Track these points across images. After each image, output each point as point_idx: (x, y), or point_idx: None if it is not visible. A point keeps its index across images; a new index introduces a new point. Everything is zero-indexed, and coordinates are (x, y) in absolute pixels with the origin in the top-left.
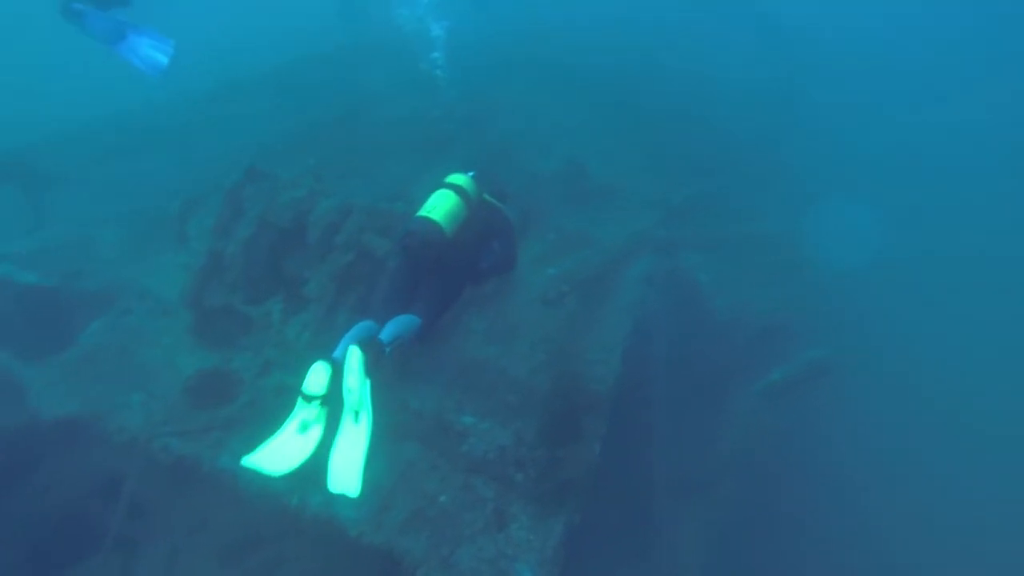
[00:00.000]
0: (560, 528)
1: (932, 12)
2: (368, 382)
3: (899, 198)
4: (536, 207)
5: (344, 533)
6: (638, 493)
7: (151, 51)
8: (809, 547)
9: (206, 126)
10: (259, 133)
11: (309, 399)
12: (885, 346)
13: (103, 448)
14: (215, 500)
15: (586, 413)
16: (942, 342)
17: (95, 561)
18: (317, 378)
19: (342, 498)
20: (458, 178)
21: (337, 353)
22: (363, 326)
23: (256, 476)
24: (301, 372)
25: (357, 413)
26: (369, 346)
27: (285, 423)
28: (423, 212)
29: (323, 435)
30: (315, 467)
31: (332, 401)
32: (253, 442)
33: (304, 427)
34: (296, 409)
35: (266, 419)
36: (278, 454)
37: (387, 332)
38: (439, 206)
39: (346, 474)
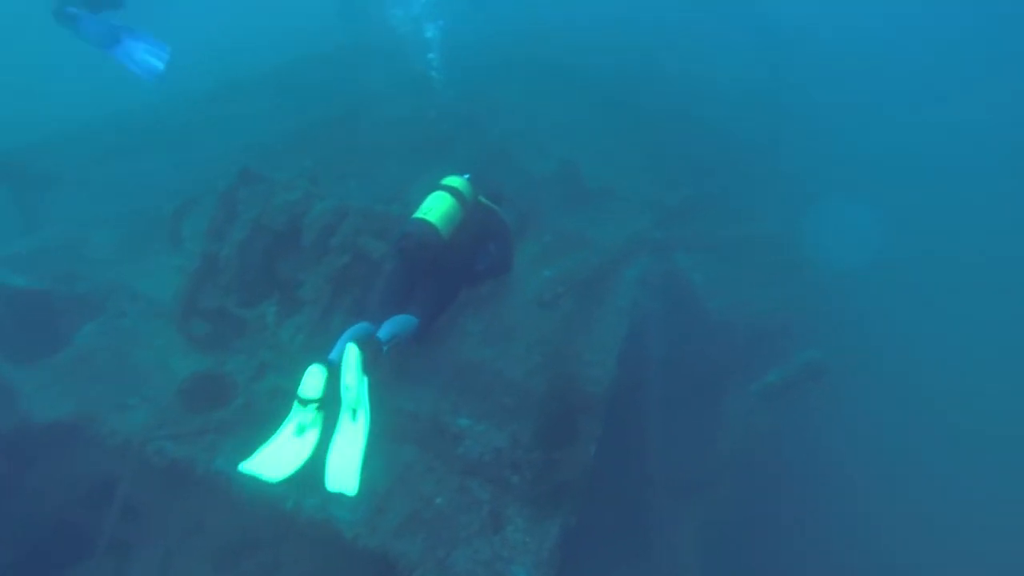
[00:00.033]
0: (556, 530)
1: (932, 12)
2: (366, 380)
3: (898, 198)
4: (534, 208)
5: (340, 536)
6: (634, 495)
7: (147, 56)
8: (807, 547)
9: (206, 126)
10: (259, 133)
11: (305, 403)
12: (884, 347)
13: (97, 451)
14: (210, 503)
15: (582, 415)
16: (941, 343)
17: (89, 565)
18: (313, 381)
19: (339, 498)
20: (454, 180)
21: (333, 355)
22: (359, 327)
23: (252, 480)
24: (296, 375)
25: (355, 411)
26: (367, 344)
27: (281, 427)
28: (419, 214)
29: (319, 438)
30: (311, 470)
31: (328, 404)
32: (248, 445)
33: (300, 431)
34: (292, 413)
35: (261, 422)
36: (275, 459)
37: (384, 331)
38: (435, 208)
39: (344, 473)
